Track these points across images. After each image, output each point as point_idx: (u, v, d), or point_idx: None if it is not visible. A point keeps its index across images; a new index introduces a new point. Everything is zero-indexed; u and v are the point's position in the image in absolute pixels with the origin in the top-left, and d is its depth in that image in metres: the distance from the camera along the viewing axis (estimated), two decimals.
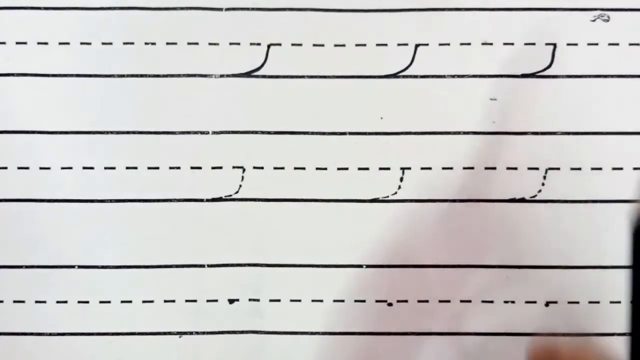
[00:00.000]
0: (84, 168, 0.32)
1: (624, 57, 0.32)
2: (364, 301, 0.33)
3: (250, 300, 0.33)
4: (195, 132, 0.32)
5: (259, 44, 0.32)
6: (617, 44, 0.32)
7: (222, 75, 0.32)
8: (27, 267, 0.33)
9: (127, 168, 0.32)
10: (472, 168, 0.32)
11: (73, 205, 0.32)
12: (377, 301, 0.33)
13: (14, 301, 0.33)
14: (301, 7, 0.32)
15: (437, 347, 0.33)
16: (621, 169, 0.32)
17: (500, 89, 0.32)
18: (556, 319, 0.33)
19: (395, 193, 0.32)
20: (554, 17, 0.32)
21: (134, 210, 0.32)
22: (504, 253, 0.33)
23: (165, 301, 0.33)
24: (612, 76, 0.32)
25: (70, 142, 0.32)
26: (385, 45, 0.32)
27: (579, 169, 0.32)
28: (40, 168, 0.32)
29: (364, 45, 0.32)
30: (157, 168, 0.32)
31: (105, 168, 0.32)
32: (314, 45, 0.32)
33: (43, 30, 0.32)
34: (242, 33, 0.32)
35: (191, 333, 0.33)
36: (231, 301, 0.33)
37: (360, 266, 0.33)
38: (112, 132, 0.32)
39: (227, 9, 0.32)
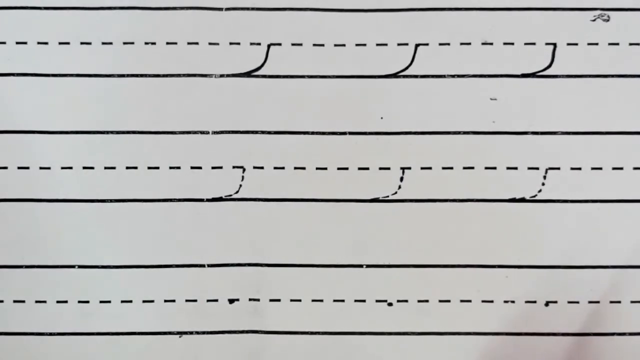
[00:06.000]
0: (84, 168, 0.32)
1: (624, 57, 0.32)
2: (364, 301, 0.33)
3: (250, 300, 0.33)
4: (195, 132, 0.32)
5: (259, 44, 0.32)
6: (617, 44, 0.32)
7: (222, 75, 0.32)
8: (27, 267, 0.33)
9: (127, 168, 0.32)
10: (472, 168, 0.32)
11: (73, 205, 0.32)
12: (377, 301, 0.33)
13: (14, 301, 0.33)
14: (301, 7, 0.32)
15: (437, 347, 0.33)
16: (621, 168, 0.32)
17: (500, 89, 0.32)
18: (556, 319, 0.33)
19: (395, 193, 0.32)
20: (554, 17, 0.32)
21: (134, 210, 0.32)
22: (504, 253, 0.33)
23: (165, 301, 0.33)
24: (612, 76, 0.32)
25: (70, 142, 0.32)
26: (385, 45, 0.32)
27: (579, 169, 0.32)
28: (40, 168, 0.32)
29: (364, 45, 0.32)
30: (157, 168, 0.32)
31: (105, 168, 0.32)
32: (314, 45, 0.32)
33: (43, 30, 0.32)
34: (242, 33, 0.32)
35: (191, 333, 0.33)
36: (231, 301, 0.33)
37: (360, 266, 0.33)
38: (112, 132, 0.32)
39: (227, 9, 0.32)
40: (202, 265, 0.33)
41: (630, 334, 0.33)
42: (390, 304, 0.33)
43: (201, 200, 0.33)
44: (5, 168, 0.32)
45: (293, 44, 0.32)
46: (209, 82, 0.32)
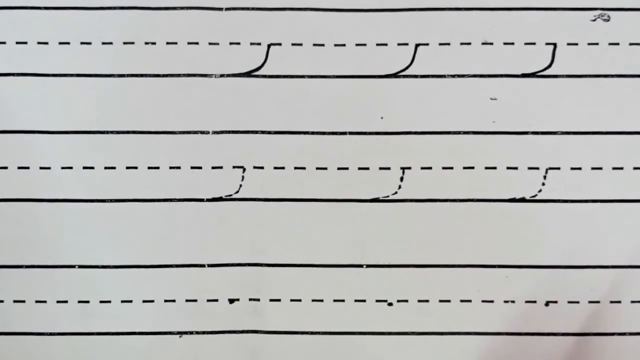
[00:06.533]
0: (84, 168, 0.32)
1: (624, 57, 0.32)
2: (364, 301, 0.33)
3: (250, 300, 0.33)
4: (195, 132, 0.32)
5: (259, 44, 0.32)
6: (617, 44, 0.32)
7: (222, 75, 0.32)
8: (27, 267, 0.33)
9: (127, 168, 0.32)
10: (472, 168, 0.32)
11: (73, 205, 0.32)
12: (377, 301, 0.33)
13: (14, 301, 0.33)
14: (301, 7, 0.32)
15: (437, 347, 0.33)
16: (621, 168, 0.32)
17: (500, 89, 0.32)
18: (556, 319, 0.33)
19: (395, 193, 0.32)
20: (554, 17, 0.32)
21: (134, 210, 0.32)
22: (504, 253, 0.33)
23: (165, 301, 0.33)
24: (612, 76, 0.32)
25: (70, 142, 0.32)
26: (385, 45, 0.32)
27: (579, 169, 0.32)
28: (40, 168, 0.32)
29: (364, 45, 0.32)
30: (157, 168, 0.32)
31: (105, 168, 0.32)
32: (314, 45, 0.32)
33: (43, 30, 0.32)
34: (242, 33, 0.32)
35: (191, 333, 0.33)
36: (231, 301, 0.33)
37: (360, 266, 0.33)
38: (112, 132, 0.32)
39: (227, 9, 0.32)
40: (202, 265, 0.33)
41: (630, 334, 0.33)
42: (390, 304, 0.33)
43: (201, 200, 0.33)
44: (5, 168, 0.32)
45: (293, 44, 0.32)
46: (209, 82, 0.32)
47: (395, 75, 0.32)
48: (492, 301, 0.33)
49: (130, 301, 0.33)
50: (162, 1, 0.32)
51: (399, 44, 0.32)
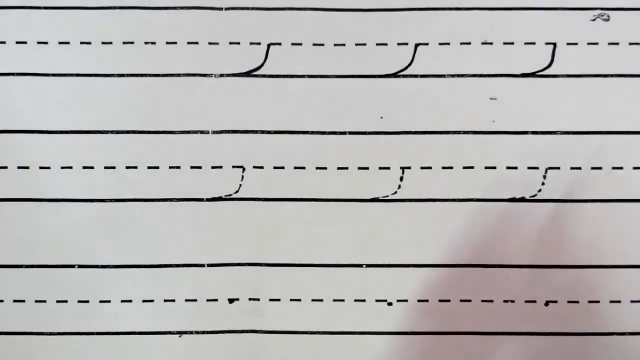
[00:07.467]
0: (84, 168, 0.32)
1: (624, 57, 0.32)
2: (364, 301, 0.33)
3: (250, 300, 0.33)
4: (195, 132, 0.32)
5: (259, 44, 0.32)
6: (617, 44, 0.32)
7: (222, 75, 0.32)
8: (27, 267, 0.33)
9: (127, 168, 0.32)
10: (472, 168, 0.32)
11: (73, 205, 0.32)
12: (377, 301, 0.33)
13: (14, 301, 0.33)
14: (301, 7, 0.32)
15: (437, 347, 0.33)
16: (621, 168, 0.32)
17: (500, 89, 0.32)
18: (556, 319, 0.33)
19: (395, 193, 0.32)
20: (554, 17, 0.32)
21: (134, 210, 0.32)
22: (504, 253, 0.33)
23: (165, 301, 0.33)
24: (612, 76, 0.32)
25: (70, 142, 0.32)
26: (385, 45, 0.32)
27: (579, 169, 0.32)
28: (40, 168, 0.32)
29: (364, 45, 0.32)
30: (157, 168, 0.32)
31: (105, 168, 0.32)
32: (314, 45, 0.32)
33: (43, 30, 0.32)
34: (242, 33, 0.32)
35: (191, 333, 0.33)
36: (231, 301, 0.33)
37: (360, 266, 0.33)
38: (112, 132, 0.32)
39: (227, 9, 0.32)
40: (202, 265, 0.33)
41: (630, 334, 0.33)
42: (390, 304, 0.33)
43: (201, 200, 0.33)
44: (5, 168, 0.32)
45: (293, 44, 0.32)
46: (209, 82, 0.32)
47: (395, 75, 0.32)
48: (492, 301, 0.33)
49: (130, 301, 0.33)
50: (162, 1, 0.32)
51: (399, 44, 0.32)
